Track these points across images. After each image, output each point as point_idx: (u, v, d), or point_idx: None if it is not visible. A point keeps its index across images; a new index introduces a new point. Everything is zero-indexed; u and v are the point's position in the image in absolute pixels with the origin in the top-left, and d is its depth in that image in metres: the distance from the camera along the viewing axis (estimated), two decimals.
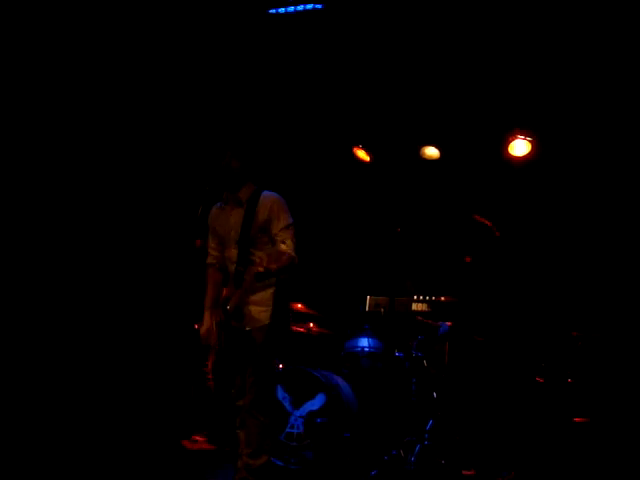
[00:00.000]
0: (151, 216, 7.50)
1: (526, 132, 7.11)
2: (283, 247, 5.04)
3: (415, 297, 6.86)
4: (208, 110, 7.50)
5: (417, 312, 6.84)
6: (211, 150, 5.22)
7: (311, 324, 7.03)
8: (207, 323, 5.25)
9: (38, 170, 7.01)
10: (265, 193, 5.22)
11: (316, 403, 6.35)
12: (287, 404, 6.38)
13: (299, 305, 6.92)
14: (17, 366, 6.65)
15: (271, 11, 6.94)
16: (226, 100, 7.49)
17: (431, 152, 7.54)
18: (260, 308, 5.11)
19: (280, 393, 6.36)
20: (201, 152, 7.16)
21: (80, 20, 6.74)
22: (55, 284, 7.04)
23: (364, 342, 6.88)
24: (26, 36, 6.64)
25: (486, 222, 6.72)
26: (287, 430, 6.31)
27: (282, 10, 6.89)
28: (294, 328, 6.97)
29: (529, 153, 7.17)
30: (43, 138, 7.03)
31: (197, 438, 6.66)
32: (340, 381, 6.53)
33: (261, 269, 4.84)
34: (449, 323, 6.70)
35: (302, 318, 7.01)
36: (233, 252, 5.18)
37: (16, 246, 6.89)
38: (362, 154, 7.75)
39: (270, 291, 5.13)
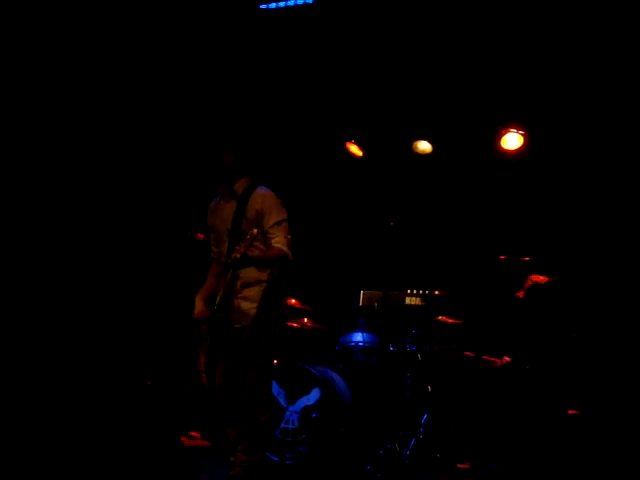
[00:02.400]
0: (145, 209, 7.47)
1: (518, 125, 7.09)
2: (275, 243, 5.03)
3: (409, 291, 6.88)
4: (202, 105, 7.49)
5: (411, 306, 6.85)
6: (205, 145, 5.28)
7: (305, 319, 7.02)
8: (199, 305, 5.21)
9: (34, 165, 6.96)
10: (259, 188, 5.20)
11: (311, 398, 6.35)
12: (282, 400, 6.38)
13: (293, 300, 6.88)
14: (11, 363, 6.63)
15: (262, 6, 6.95)
16: (219, 95, 7.47)
17: (424, 146, 7.52)
18: (251, 304, 5.09)
19: (275, 389, 6.35)
20: (196, 146, 7.14)
21: (75, 18, 6.76)
22: (47, 279, 6.98)
23: (358, 337, 6.87)
24: (25, 36, 6.65)
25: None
26: (282, 426, 6.31)
27: (273, 5, 6.90)
28: (288, 323, 6.95)
29: (521, 146, 7.16)
30: (38, 135, 6.99)
31: (193, 434, 6.65)
32: (335, 376, 6.53)
33: (237, 255, 4.82)
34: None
35: (296, 313, 6.99)
36: (226, 246, 5.15)
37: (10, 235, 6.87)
38: (355, 149, 7.71)
39: (262, 286, 5.09)
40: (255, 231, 4.87)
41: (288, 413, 6.34)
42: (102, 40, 6.94)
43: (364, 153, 7.71)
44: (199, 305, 5.21)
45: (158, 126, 7.47)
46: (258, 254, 4.93)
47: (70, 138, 7.13)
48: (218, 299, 5.01)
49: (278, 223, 5.09)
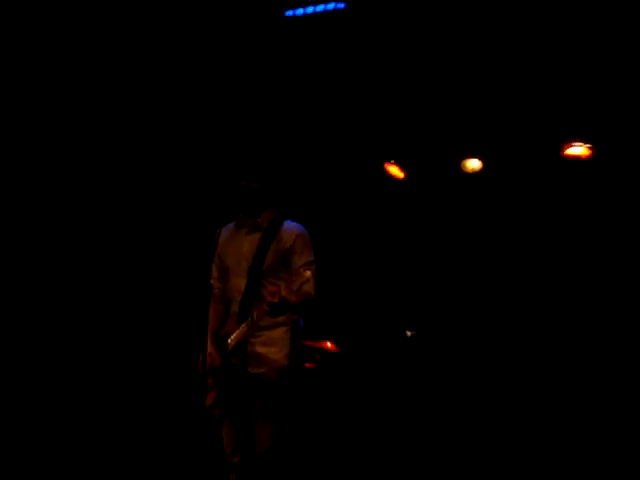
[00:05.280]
0: (166, 238, 7.21)
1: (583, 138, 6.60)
2: (305, 287, 4.57)
3: None
4: (228, 128, 7.10)
5: None
6: (231, 169, 4.85)
7: None
8: (214, 355, 4.77)
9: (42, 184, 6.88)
10: (289, 223, 4.83)
11: None
12: None
13: (329, 344, 6.48)
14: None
15: (288, 13, 6.37)
16: (247, 117, 7.05)
17: (473, 165, 7.02)
18: (273, 349, 4.68)
19: None
20: (221, 171, 6.67)
21: (84, 23, 6.49)
22: (62, 304, 6.90)
23: None
24: (26, 36, 6.45)
25: None
26: None
27: (300, 12, 6.29)
28: None
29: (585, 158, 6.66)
30: (45, 158, 6.87)
31: None
32: None
33: (276, 300, 4.39)
34: None
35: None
36: (242, 282, 4.74)
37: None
38: (395, 170, 7.25)
39: (283, 329, 4.71)
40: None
41: None
42: (122, 57, 6.68)
43: (405, 175, 7.23)
44: (214, 354, 4.73)
45: (183, 151, 7.18)
46: (295, 300, 4.49)
47: (92, 168, 7.03)
48: (232, 344, 4.61)
49: (308, 264, 4.71)
